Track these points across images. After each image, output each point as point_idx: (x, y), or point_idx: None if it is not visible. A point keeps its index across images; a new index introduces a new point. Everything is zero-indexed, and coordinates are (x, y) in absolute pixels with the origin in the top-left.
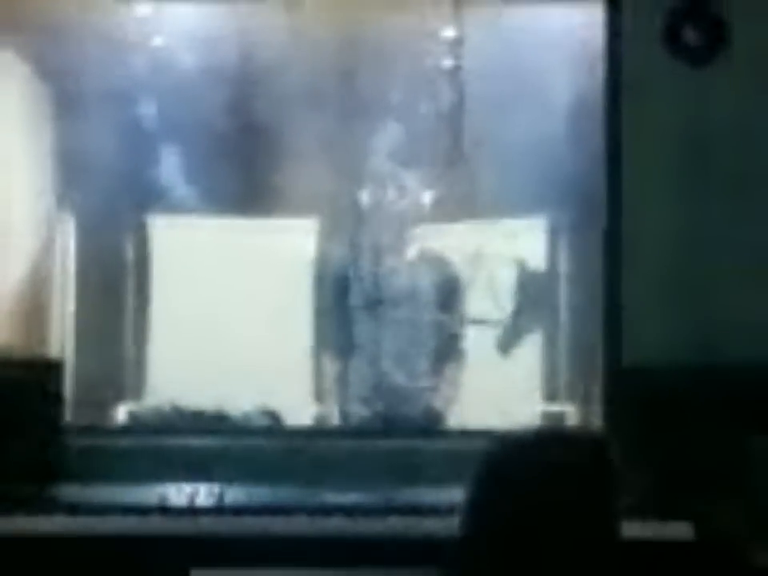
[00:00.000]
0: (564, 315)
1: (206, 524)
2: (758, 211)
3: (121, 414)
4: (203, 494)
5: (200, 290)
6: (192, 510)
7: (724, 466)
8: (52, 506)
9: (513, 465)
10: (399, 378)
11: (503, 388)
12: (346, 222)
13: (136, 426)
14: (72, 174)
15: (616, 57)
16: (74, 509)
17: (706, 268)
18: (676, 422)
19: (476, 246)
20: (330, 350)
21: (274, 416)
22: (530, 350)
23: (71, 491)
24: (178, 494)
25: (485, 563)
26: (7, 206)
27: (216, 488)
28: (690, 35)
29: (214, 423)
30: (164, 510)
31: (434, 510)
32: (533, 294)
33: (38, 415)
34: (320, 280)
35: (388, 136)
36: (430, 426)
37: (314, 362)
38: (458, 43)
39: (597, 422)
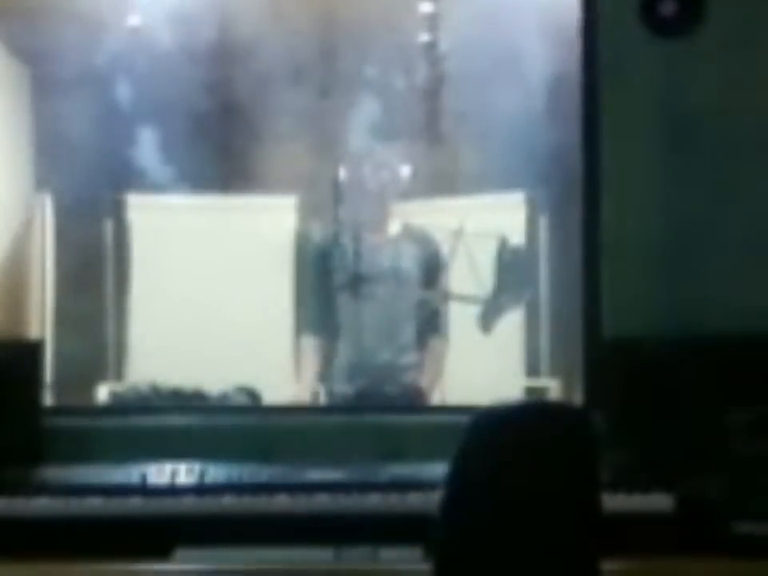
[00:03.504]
0: (545, 290)
1: (188, 503)
2: (739, 186)
3: (101, 394)
4: (184, 472)
5: (180, 269)
6: (173, 490)
7: (705, 437)
8: (33, 488)
9: (495, 439)
10: (381, 355)
11: (486, 364)
12: (325, 199)
13: (116, 406)
14: (50, 155)
15: (593, 32)
16: (54, 490)
17: (687, 240)
18: (657, 394)
19: (456, 221)
20: (311, 327)
21: (253, 394)
22: (512, 326)
23: (52, 473)
24: (158, 473)
25: (468, 537)
26: None
27: (197, 467)
28: (667, 8)
29: (194, 402)
30: (145, 489)
31: (417, 487)
32: (513, 269)
33: (18, 397)
34: (300, 258)
35: (367, 112)
36: (413, 402)
37: (296, 340)
38: (436, 18)
39: (579, 395)
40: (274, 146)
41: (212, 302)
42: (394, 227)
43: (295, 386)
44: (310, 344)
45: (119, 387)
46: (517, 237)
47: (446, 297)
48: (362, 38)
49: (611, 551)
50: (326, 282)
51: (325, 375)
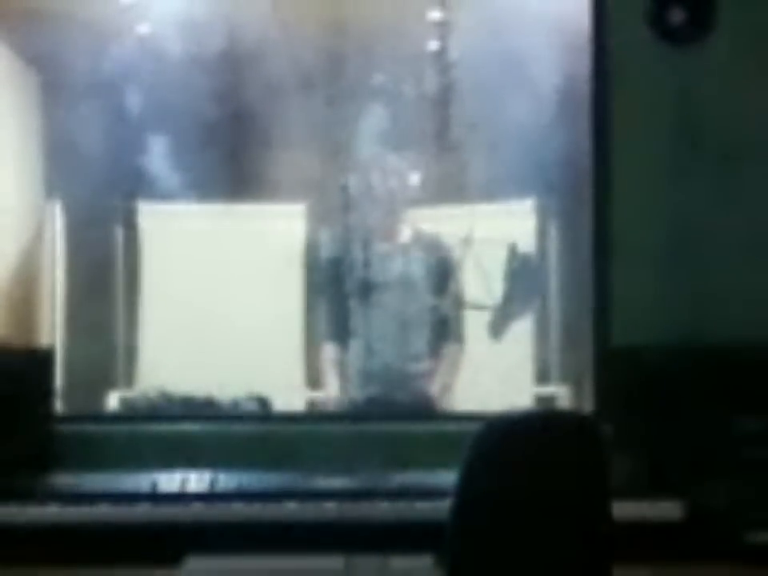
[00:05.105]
0: (554, 297)
1: (198, 510)
2: (747, 190)
3: (112, 401)
4: (195, 480)
5: (190, 277)
6: (184, 497)
7: (713, 445)
8: (43, 495)
9: (503, 448)
10: (392, 363)
11: (495, 371)
12: (335, 207)
13: (127, 413)
14: (60, 162)
15: (602, 39)
16: (65, 497)
17: (695, 248)
18: (666, 402)
19: (466, 229)
20: (321, 334)
21: (263, 401)
22: (522, 333)
23: (62, 480)
24: (169, 480)
25: (477, 545)
26: None
27: (207, 474)
28: (676, 16)
29: (204, 409)
30: (156, 496)
31: (427, 495)
32: (523, 276)
33: (29, 404)
34: (310, 265)
35: (376, 120)
36: (423, 409)
37: (306, 347)
38: (445, 26)
39: (589, 403)
40: (283, 154)
41: (222, 310)
42: (404, 234)
43: (306, 392)
44: (319, 351)
45: (129, 394)
46: (526, 244)
47: (457, 304)
48: (371, 46)
49: (620, 559)
50: (336, 290)
51: (334, 382)
